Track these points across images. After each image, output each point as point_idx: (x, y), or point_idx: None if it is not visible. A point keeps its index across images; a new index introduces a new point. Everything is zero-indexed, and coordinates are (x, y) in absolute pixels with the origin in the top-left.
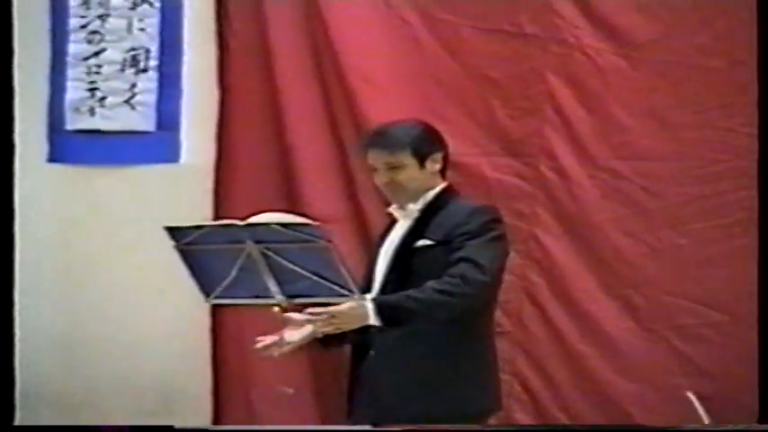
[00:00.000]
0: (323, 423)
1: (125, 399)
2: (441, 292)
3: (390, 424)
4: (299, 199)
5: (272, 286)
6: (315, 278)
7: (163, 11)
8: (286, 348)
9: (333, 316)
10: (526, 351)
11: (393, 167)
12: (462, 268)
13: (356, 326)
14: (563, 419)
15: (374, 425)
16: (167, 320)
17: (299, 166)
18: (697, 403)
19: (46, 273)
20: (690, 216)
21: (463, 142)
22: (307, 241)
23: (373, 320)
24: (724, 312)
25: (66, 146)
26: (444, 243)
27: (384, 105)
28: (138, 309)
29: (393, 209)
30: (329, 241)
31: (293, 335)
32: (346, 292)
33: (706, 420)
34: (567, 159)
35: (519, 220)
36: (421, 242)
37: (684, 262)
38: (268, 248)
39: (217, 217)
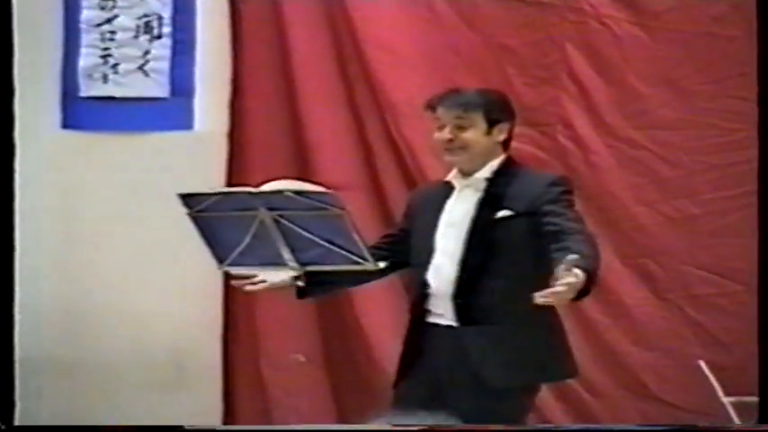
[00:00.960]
0: (333, 392)
1: (137, 369)
2: (594, 246)
3: (466, 391)
4: (312, 167)
5: (286, 254)
6: (328, 246)
7: None
8: (262, 287)
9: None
10: None
11: (460, 126)
12: (578, 228)
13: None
14: (579, 389)
15: (430, 396)
16: (180, 289)
17: (313, 134)
18: (708, 372)
19: (55, 241)
20: (706, 185)
21: None
22: (320, 209)
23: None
24: (739, 282)
25: (80, 112)
26: (527, 214)
27: (400, 74)
28: (150, 277)
29: (453, 177)
30: (343, 209)
31: (271, 275)
32: (360, 260)
33: (718, 389)
34: (584, 128)
35: None
36: (502, 213)
37: (700, 231)
38: (281, 216)
39: (230, 184)
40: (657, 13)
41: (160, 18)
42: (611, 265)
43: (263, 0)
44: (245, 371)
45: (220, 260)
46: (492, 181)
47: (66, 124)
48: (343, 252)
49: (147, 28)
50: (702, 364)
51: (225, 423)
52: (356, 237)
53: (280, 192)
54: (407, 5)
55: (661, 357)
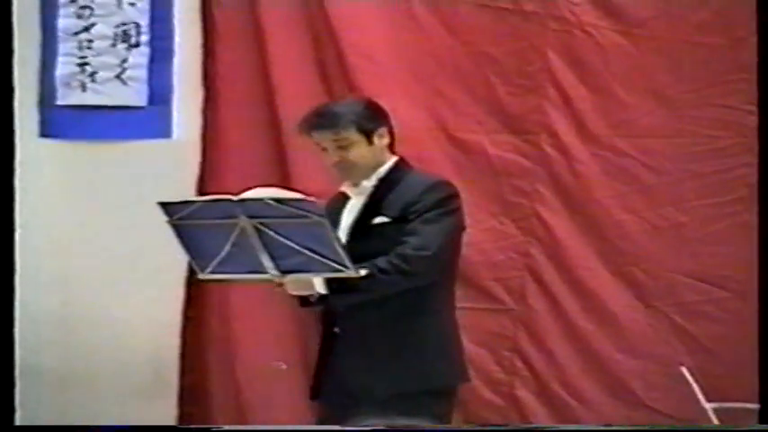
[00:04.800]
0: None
1: (117, 377)
2: (382, 270)
3: (358, 404)
4: (292, 175)
5: (266, 261)
6: (309, 253)
7: None
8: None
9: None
10: (528, 328)
11: (341, 146)
12: (406, 245)
13: (301, 292)
14: (565, 396)
15: (341, 406)
16: (159, 296)
17: (292, 141)
18: (690, 378)
19: (31, 250)
20: (690, 193)
21: (463, 119)
22: (300, 216)
23: (319, 288)
24: (726, 289)
25: (58, 121)
26: (400, 220)
27: (382, 82)
28: (130, 285)
29: (345, 186)
30: (323, 216)
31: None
32: (341, 267)
33: (699, 395)
34: (568, 136)
35: (520, 197)
36: (378, 219)
37: (686, 239)
38: (262, 223)
39: (203, 192)
40: (640, 21)
41: (138, 26)
42: (598, 273)
43: (240, 5)
44: (220, 378)
45: (201, 268)
46: (377, 188)
47: (44, 133)
48: (324, 260)
49: (125, 36)
50: (684, 369)
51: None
52: (336, 244)
53: (260, 199)
54: (389, 13)
55: (648, 364)
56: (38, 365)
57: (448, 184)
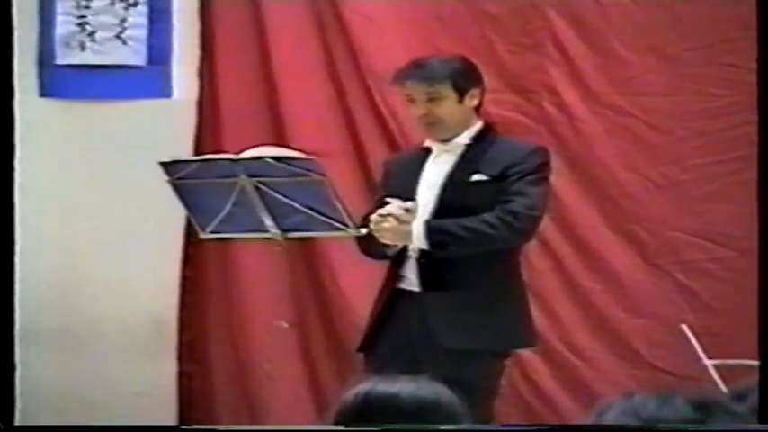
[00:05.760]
0: (304, 356)
1: (120, 337)
2: (491, 225)
3: (415, 357)
4: (290, 134)
5: (267, 220)
6: (309, 212)
7: None
8: None
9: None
10: (531, 287)
11: (432, 99)
12: (515, 204)
13: (397, 242)
14: (568, 355)
15: (396, 360)
16: (158, 255)
17: (290, 101)
18: (691, 336)
19: (32, 209)
20: (693, 151)
21: None
22: (301, 175)
23: (419, 242)
24: (728, 247)
25: (57, 80)
26: (500, 179)
27: (382, 40)
28: (129, 244)
29: (431, 141)
30: (323, 175)
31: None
32: (341, 227)
33: (700, 352)
34: (569, 95)
35: None
36: (476, 177)
37: (688, 197)
38: (262, 182)
39: (202, 153)
40: None
41: None
42: (600, 232)
43: None
44: (219, 336)
45: (202, 227)
46: (470, 146)
47: (44, 92)
48: (325, 219)
49: None
50: (685, 327)
51: (193, 387)
52: (337, 203)
53: (260, 158)
54: None
55: (651, 323)
56: (38, 326)
57: (546, 150)
